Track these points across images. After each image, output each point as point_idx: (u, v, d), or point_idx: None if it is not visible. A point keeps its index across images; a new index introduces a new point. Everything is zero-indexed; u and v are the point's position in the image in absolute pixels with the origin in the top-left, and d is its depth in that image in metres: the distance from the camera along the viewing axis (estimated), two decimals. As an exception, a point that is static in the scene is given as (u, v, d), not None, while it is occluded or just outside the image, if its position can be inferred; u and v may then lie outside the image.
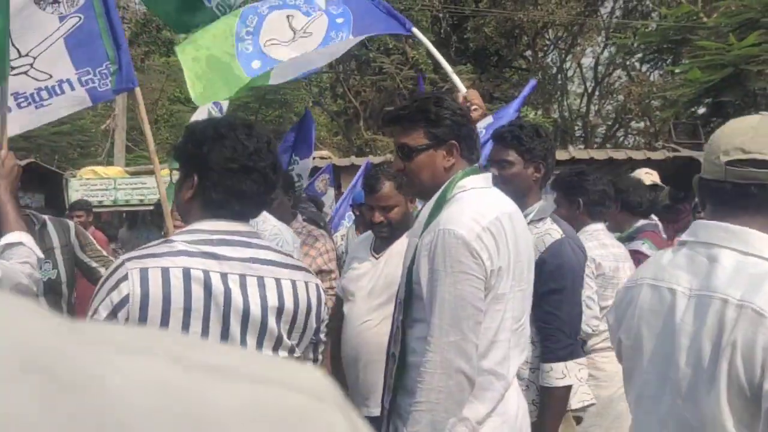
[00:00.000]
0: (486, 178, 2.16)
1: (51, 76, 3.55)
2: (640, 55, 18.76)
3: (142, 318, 1.64)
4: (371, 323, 2.95)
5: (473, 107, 2.82)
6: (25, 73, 3.50)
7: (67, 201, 8.50)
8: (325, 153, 11.83)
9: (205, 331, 1.68)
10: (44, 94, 3.55)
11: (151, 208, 7.60)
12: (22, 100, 3.49)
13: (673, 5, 16.28)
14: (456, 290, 1.91)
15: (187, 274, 1.67)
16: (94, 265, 3.45)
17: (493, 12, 17.99)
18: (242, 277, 1.73)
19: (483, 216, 1.97)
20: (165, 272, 1.66)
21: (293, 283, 1.82)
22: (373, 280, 3.02)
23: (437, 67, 17.89)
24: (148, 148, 3.69)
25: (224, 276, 1.71)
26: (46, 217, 3.44)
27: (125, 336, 0.34)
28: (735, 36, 10.39)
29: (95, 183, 9.27)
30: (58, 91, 3.58)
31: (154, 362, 0.32)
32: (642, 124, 22.65)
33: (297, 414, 0.33)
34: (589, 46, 21.62)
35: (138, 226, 9.13)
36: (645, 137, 21.52)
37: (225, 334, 1.70)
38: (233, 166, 1.75)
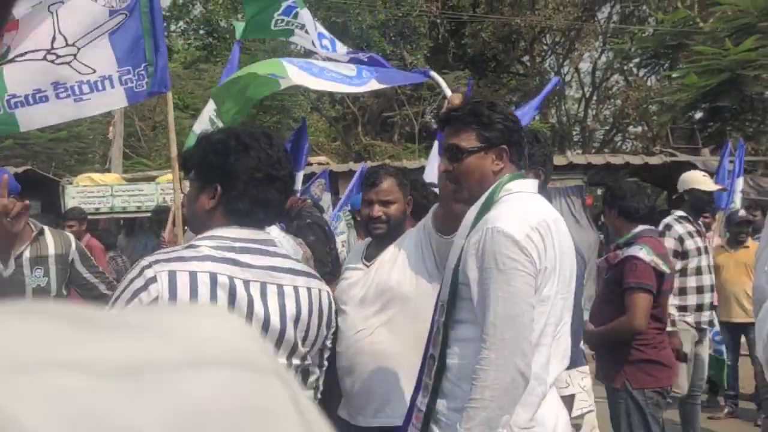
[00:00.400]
0: (533, 183, 2.18)
1: (95, 71, 3.51)
2: (637, 60, 18.79)
3: None
4: (365, 332, 2.92)
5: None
6: (68, 63, 3.45)
7: (64, 208, 8.47)
8: (323, 159, 11.82)
9: None
10: (85, 88, 3.51)
11: (149, 214, 7.58)
12: (62, 90, 3.46)
13: (669, 10, 16.30)
14: (510, 287, 1.91)
15: (213, 279, 1.69)
16: (94, 280, 3.43)
17: (490, 17, 18.02)
18: (263, 285, 1.76)
19: (531, 216, 1.99)
20: (193, 276, 1.68)
21: (309, 290, 1.85)
22: (365, 289, 2.99)
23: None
24: (170, 154, 3.67)
25: (246, 283, 1.74)
26: (45, 227, 3.42)
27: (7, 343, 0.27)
28: (731, 41, 10.41)
29: (92, 190, 9.24)
30: (100, 87, 3.54)
31: (56, 378, 0.26)
32: (640, 129, 22.68)
33: (244, 405, 0.29)
34: (587, 51, 21.66)
35: (136, 233, 9.10)
36: (643, 142, 21.53)
37: None
38: (259, 175, 1.79)
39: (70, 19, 3.40)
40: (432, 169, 4.65)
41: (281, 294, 1.79)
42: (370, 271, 3.02)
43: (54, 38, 3.37)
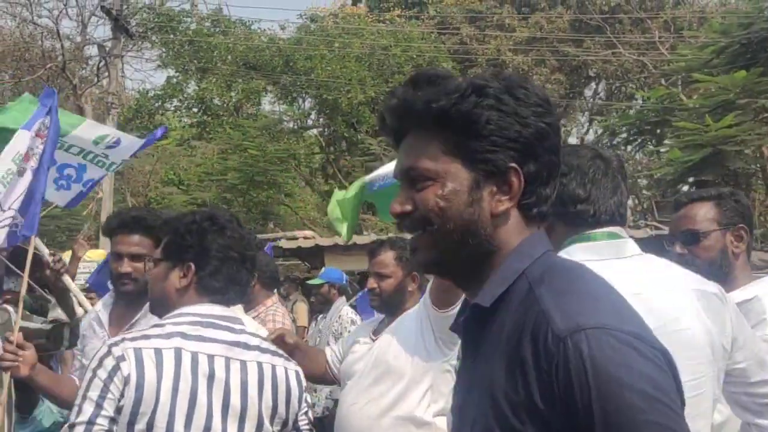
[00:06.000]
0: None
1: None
2: (624, 135, 19.10)
3: (138, 398, 1.72)
4: (357, 406, 2.90)
5: None
6: (8, 225, 3.89)
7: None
8: (308, 233, 11.86)
9: (190, 411, 1.75)
10: None
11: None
12: None
13: (654, 87, 16.68)
14: None
15: (178, 355, 1.77)
16: None
17: (479, 95, 18.43)
18: (227, 360, 1.83)
19: None
20: (158, 353, 1.75)
21: (273, 368, 1.90)
22: (364, 362, 3.00)
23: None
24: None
25: (211, 358, 1.80)
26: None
27: None
28: (712, 117, 10.64)
29: (79, 266, 9.22)
30: None
31: None
32: (631, 202, 22.89)
33: None
34: (574, 127, 22.07)
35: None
36: (633, 215, 21.67)
37: (209, 416, 1.77)
38: (233, 254, 1.90)
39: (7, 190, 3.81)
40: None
41: (244, 370, 1.85)
42: (374, 344, 3.02)
43: None
